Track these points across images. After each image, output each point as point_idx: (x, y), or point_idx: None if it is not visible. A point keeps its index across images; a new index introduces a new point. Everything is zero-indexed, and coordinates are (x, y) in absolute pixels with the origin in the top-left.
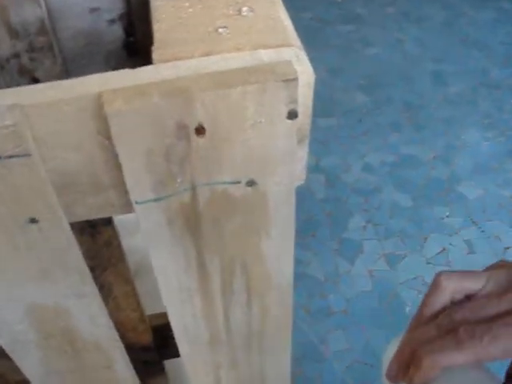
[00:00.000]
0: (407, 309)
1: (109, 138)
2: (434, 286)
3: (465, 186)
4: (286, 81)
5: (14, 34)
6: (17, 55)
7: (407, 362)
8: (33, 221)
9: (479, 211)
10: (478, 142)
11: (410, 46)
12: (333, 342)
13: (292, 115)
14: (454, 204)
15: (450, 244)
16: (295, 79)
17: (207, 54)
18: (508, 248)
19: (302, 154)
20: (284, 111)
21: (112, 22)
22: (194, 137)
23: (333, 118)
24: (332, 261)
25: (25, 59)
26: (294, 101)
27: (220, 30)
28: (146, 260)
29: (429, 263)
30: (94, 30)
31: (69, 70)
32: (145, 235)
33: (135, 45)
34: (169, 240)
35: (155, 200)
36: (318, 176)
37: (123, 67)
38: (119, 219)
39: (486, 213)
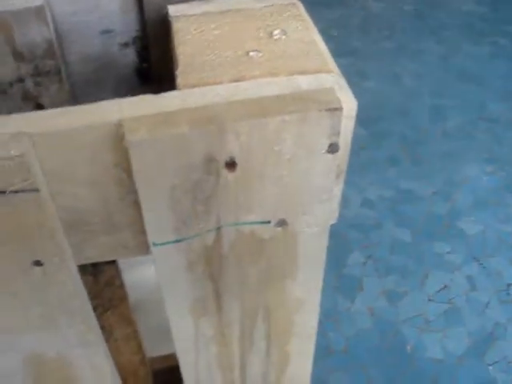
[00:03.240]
0: (408, 347)
1: (127, 171)
2: None
3: (465, 221)
4: (330, 110)
5: (18, 55)
6: (21, 79)
7: None
8: (37, 263)
9: (480, 247)
10: (477, 177)
11: (407, 79)
12: (333, 383)
13: (333, 149)
14: (455, 240)
15: (452, 280)
16: (339, 108)
17: (238, 80)
18: (510, 284)
19: (337, 190)
20: (325, 144)
21: (125, 45)
22: (223, 172)
23: None
24: (331, 298)
25: (29, 84)
26: (337, 133)
27: (251, 53)
28: (147, 296)
29: (430, 300)
30: (105, 53)
31: (76, 96)
32: (161, 279)
33: (149, 71)
34: (187, 285)
35: (175, 242)
36: None
37: (135, 94)
38: None
39: (487, 249)
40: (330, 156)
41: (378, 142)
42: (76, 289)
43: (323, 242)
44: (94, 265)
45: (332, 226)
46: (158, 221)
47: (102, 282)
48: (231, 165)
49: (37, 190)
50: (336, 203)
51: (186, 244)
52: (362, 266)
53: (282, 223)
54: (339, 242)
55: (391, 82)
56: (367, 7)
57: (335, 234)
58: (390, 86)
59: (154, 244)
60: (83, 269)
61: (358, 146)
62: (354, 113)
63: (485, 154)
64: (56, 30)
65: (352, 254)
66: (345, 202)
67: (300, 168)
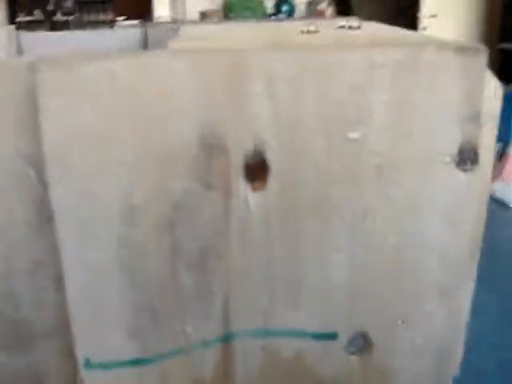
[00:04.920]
0: None
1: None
2: None
3: None
4: (463, 51)
5: None
6: None
7: None
8: None
9: None
10: None
11: (496, 312)
12: None
13: (467, 157)
14: None
15: None
16: (481, 52)
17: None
18: None
19: (471, 274)
20: (451, 143)
21: None
22: (241, 184)
23: None
24: None
25: None
26: (477, 110)
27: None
28: None
29: None
30: None
31: None
32: None
33: None
34: None
35: (133, 363)
36: None
37: None
38: None
39: None
40: (461, 176)
41: (471, 374)
42: None
43: None
44: None
45: None
46: (97, 302)
47: None
48: (258, 168)
49: None
50: (465, 313)
51: (150, 368)
52: None
53: (361, 342)
54: None
55: (480, 315)
56: None
57: None
58: (479, 318)
59: (88, 365)
60: None
61: None
62: (498, 107)
63: None
64: None
65: None
66: None
67: (407, 189)
